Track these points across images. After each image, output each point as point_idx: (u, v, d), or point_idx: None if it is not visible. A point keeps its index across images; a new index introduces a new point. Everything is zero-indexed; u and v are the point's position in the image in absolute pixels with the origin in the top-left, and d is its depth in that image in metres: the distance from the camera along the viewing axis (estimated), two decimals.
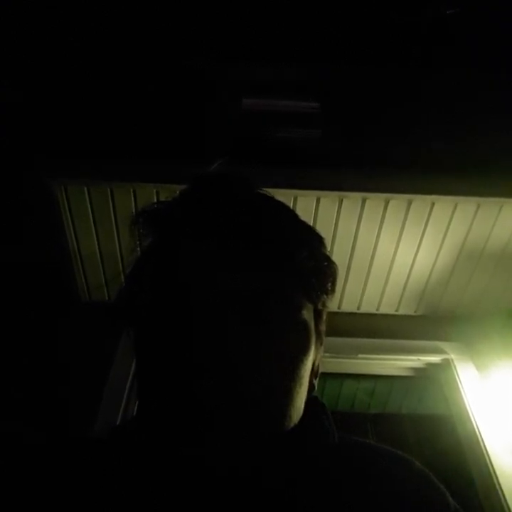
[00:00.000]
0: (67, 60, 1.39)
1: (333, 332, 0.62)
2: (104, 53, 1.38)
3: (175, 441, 0.43)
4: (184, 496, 0.43)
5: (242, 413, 0.41)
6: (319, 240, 0.52)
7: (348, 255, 1.61)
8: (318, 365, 0.53)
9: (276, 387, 0.44)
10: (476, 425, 1.49)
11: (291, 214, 0.52)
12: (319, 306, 0.50)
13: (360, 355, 1.69)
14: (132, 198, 1.48)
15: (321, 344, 0.53)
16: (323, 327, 0.52)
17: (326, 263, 0.50)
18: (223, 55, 1.42)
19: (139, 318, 0.48)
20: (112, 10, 1.32)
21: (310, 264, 0.47)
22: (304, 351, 0.46)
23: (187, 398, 0.41)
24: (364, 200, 1.49)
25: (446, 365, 1.69)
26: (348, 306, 1.75)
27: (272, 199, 0.52)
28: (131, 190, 1.47)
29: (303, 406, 0.47)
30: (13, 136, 1.51)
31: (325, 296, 0.49)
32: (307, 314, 0.48)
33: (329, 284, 0.50)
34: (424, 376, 1.75)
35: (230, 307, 0.43)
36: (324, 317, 0.53)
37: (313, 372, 0.52)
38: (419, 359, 1.71)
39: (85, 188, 1.47)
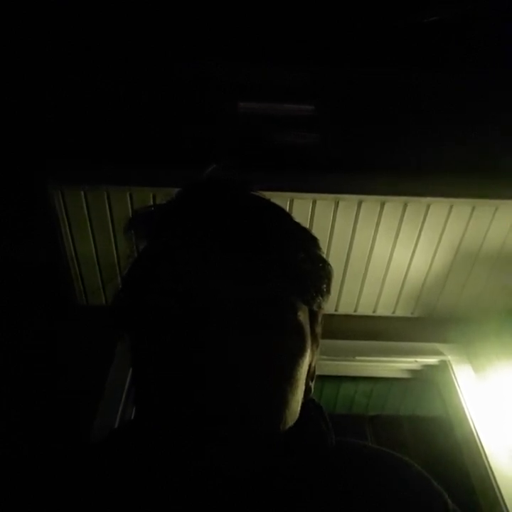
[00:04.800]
0: (63, 63, 1.39)
1: (330, 334, 0.62)
2: (100, 57, 1.38)
3: (177, 447, 0.42)
4: (190, 499, 0.43)
5: (243, 418, 0.41)
6: (314, 241, 0.52)
7: (345, 257, 1.61)
8: (314, 368, 0.53)
9: (274, 390, 0.44)
10: (474, 426, 1.50)
11: (285, 216, 0.52)
12: (315, 308, 0.50)
13: (357, 358, 1.70)
14: (129, 202, 1.48)
15: (317, 346, 0.52)
16: (319, 329, 0.52)
17: (320, 264, 0.49)
18: (219, 58, 1.42)
19: (136, 325, 0.48)
20: (109, 13, 1.32)
21: (305, 266, 0.47)
22: (299, 354, 0.46)
23: (189, 406, 0.41)
24: (360, 203, 1.49)
25: (444, 367, 1.69)
26: (345, 308, 1.75)
27: (266, 201, 0.51)
28: (128, 193, 1.47)
29: (299, 408, 0.47)
30: (10, 140, 1.51)
31: (320, 298, 0.49)
32: (303, 316, 0.48)
33: (324, 286, 0.49)
34: (421, 378, 1.76)
35: (230, 315, 0.42)
36: (320, 319, 0.52)
37: (310, 375, 0.51)
38: (416, 361, 1.71)
39: (82, 192, 1.47)
